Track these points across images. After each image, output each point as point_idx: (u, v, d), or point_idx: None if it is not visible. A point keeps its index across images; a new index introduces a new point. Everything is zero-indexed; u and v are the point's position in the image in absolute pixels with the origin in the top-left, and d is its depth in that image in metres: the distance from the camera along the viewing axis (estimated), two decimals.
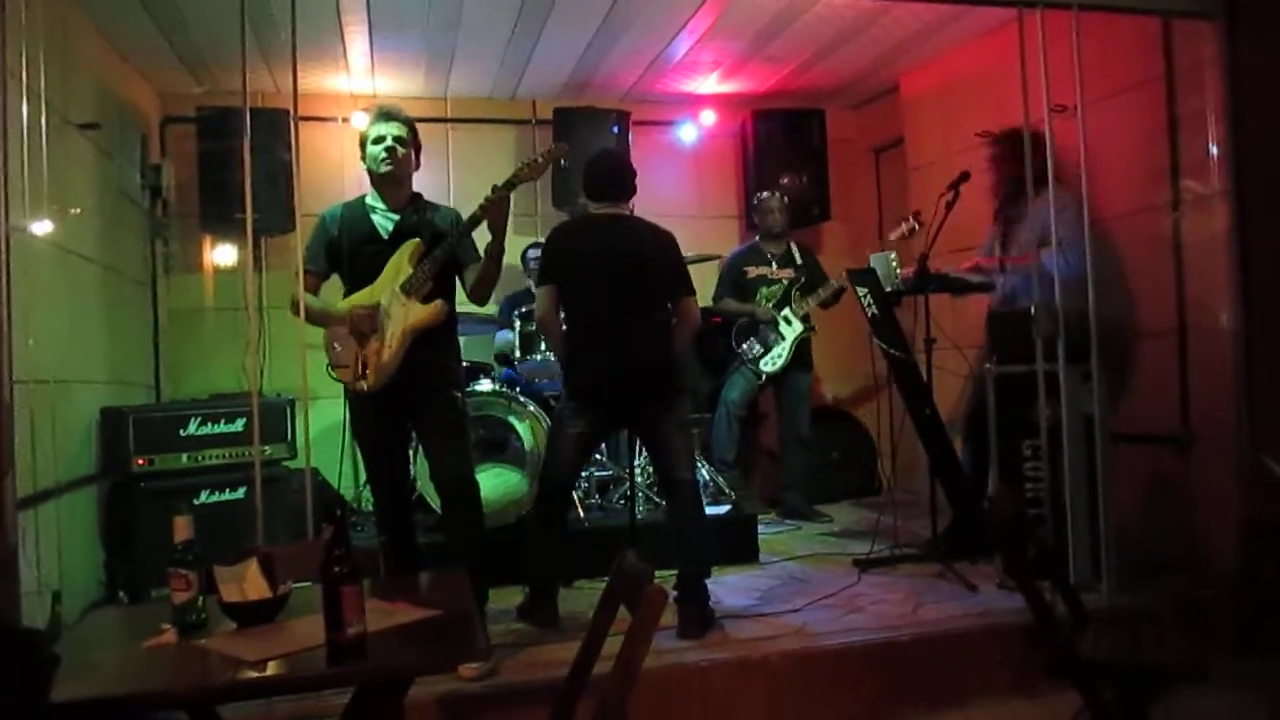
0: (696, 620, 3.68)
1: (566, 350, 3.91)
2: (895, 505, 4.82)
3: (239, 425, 4.54)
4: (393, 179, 3.64)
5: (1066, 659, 2.62)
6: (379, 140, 3.61)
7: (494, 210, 3.46)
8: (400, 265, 3.54)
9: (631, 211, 4.09)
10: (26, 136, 3.43)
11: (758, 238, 6.04)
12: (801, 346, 5.73)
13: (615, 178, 3.97)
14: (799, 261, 5.85)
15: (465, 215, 3.63)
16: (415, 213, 3.67)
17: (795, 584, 4.36)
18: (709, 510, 5.04)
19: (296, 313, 3.44)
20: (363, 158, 3.69)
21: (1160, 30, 4.43)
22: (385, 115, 3.65)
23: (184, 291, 5.86)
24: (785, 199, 5.95)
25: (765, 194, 5.97)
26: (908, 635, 3.65)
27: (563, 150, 3.80)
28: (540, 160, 3.59)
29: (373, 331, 3.49)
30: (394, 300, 3.52)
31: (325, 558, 1.83)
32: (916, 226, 4.82)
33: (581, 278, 3.86)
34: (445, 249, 3.52)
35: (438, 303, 3.54)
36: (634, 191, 4.02)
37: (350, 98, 6.04)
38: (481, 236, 3.58)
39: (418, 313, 3.51)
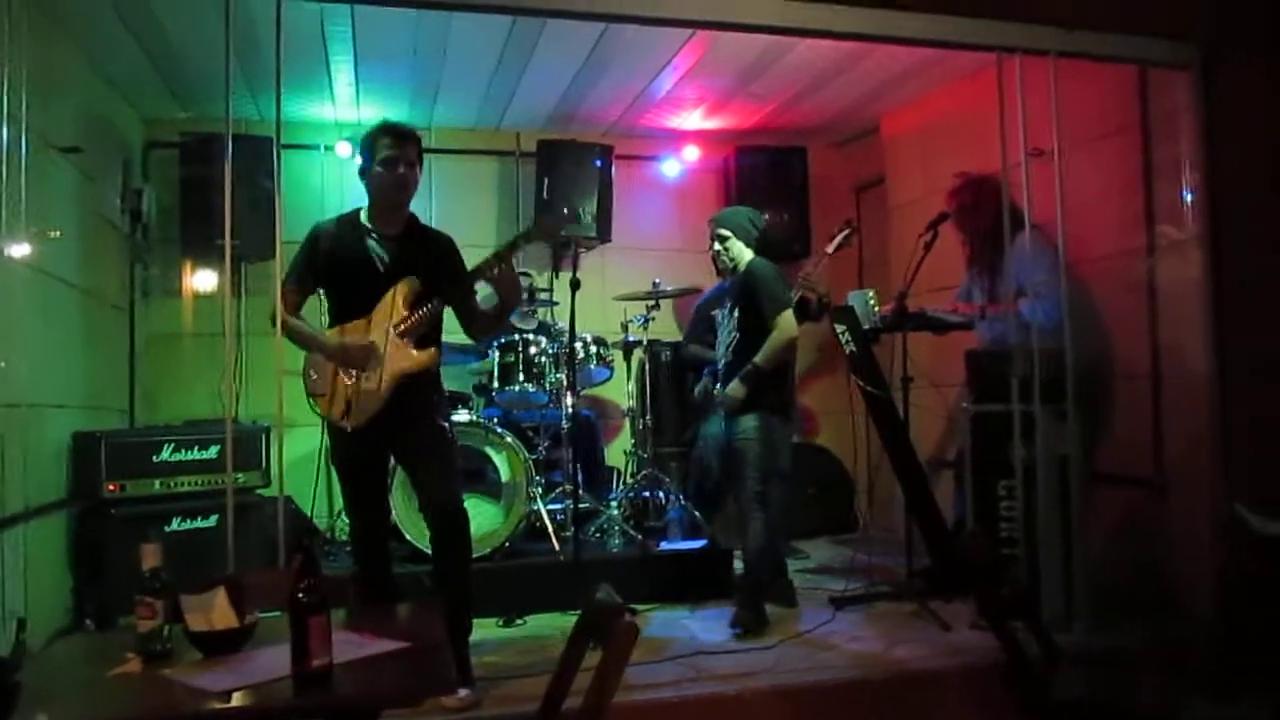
0: None
1: None
2: (871, 542, 4.82)
3: (213, 452, 4.50)
4: (397, 205, 3.50)
5: (1039, 699, 2.62)
6: (391, 163, 3.39)
7: (498, 282, 3.46)
8: (394, 305, 3.41)
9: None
10: (6, 158, 3.41)
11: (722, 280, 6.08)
12: None
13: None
14: None
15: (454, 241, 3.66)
16: (412, 241, 3.53)
17: (769, 620, 4.34)
18: (685, 545, 5.06)
19: (275, 326, 3.38)
20: (362, 174, 3.48)
21: (1136, 78, 4.50)
22: (399, 134, 3.42)
23: (162, 316, 5.81)
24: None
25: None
26: (881, 674, 3.64)
27: (564, 222, 3.75)
28: (538, 230, 3.70)
29: (362, 370, 3.40)
30: (386, 340, 3.39)
31: (293, 587, 1.81)
32: (850, 232, 4.85)
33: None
34: (440, 304, 3.46)
35: (432, 351, 3.47)
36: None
37: (335, 126, 6.06)
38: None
39: (411, 359, 3.40)
